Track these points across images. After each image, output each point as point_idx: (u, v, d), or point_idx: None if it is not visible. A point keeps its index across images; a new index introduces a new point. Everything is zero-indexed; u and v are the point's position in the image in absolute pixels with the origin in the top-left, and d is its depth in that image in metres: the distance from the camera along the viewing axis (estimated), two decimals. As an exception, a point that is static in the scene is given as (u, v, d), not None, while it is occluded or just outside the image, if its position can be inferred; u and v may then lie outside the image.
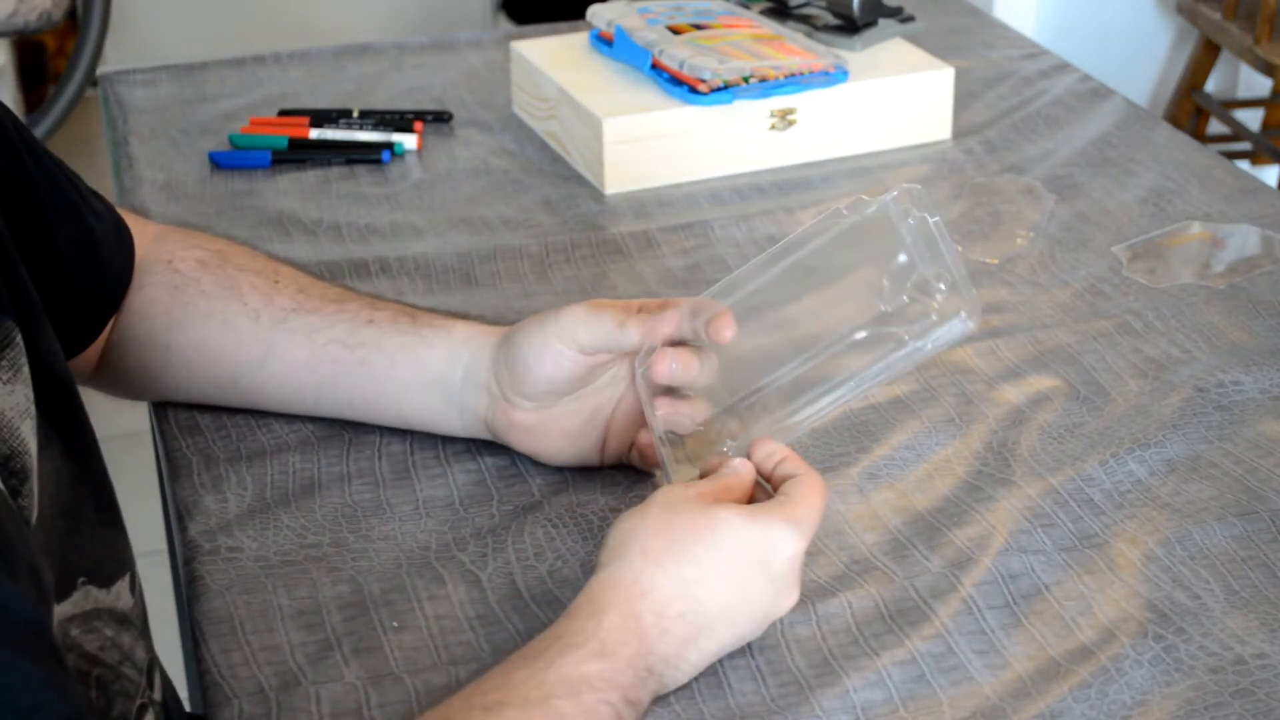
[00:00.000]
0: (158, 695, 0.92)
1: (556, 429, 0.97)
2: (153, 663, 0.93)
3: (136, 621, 0.90)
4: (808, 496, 0.85)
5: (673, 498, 0.84)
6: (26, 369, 0.81)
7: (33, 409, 0.80)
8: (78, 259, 1.00)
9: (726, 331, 0.88)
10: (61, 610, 0.82)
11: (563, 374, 0.94)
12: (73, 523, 0.85)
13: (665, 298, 0.94)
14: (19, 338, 0.81)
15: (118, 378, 1.07)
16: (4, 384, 0.78)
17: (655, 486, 0.99)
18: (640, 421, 0.97)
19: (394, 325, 1.00)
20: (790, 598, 0.84)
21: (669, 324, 0.91)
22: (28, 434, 0.79)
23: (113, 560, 0.88)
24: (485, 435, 1.00)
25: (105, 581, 0.87)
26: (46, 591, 0.71)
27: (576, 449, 0.98)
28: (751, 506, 0.84)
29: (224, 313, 1.03)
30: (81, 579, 0.84)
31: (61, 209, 0.98)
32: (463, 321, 1.01)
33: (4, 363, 0.79)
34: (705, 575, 0.82)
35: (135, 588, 0.91)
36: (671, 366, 0.91)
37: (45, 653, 0.64)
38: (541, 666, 0.78)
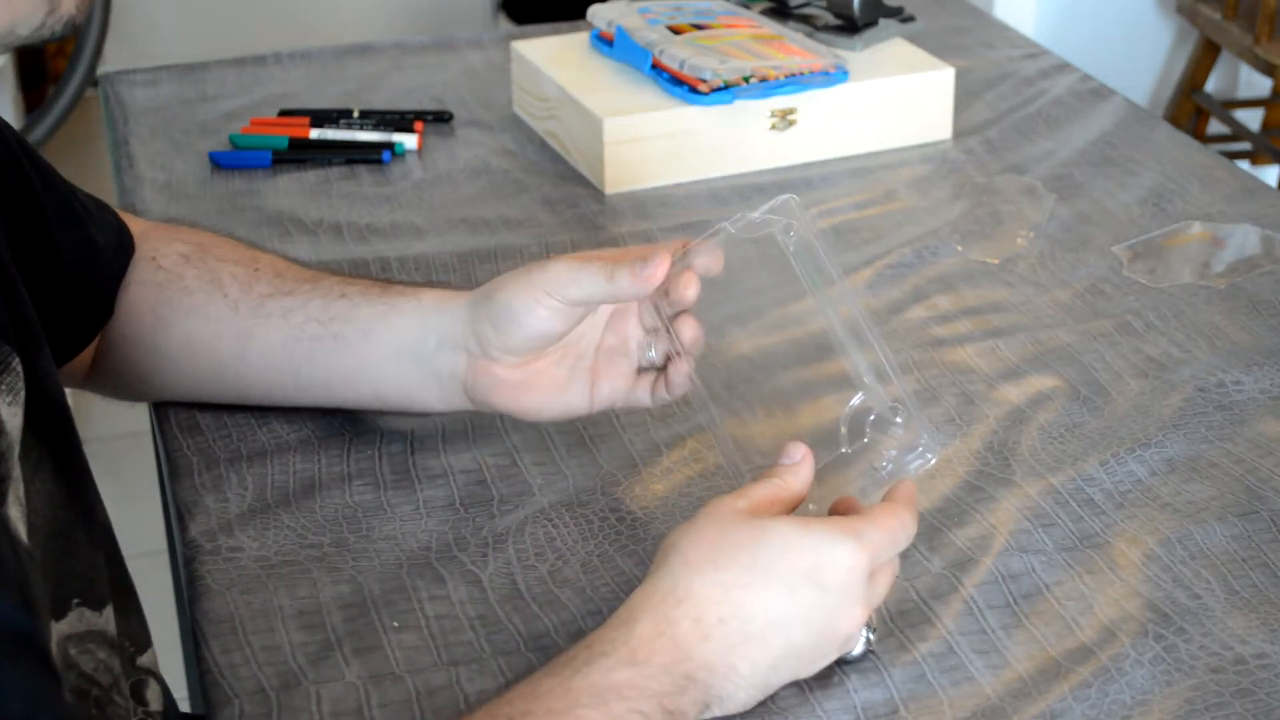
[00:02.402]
0: (156, 707, 0.92)
1: (542, 381, 0.96)
2: (151, 676, 0.93)
3: (127, 649, 0.89)
4: (880, 516, 0.82)
5: (721, 509, 0.82)
6: (24, 393, 0.80)
7: (21, 432, 0.80)
8: (78, 269, 0.99)
9: (716, 263, 0.92)
10: (59, 629, 0.81)
11: (552, 327, 0.93)
12: (65, 544, 0.84)
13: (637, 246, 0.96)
14: (17, 363, 0.80)
15: (110, 380, 1.07)
16: (7, 405, 0.78)
17: (654, 482, 1.00)
18: (626, 361, 0.97)
19: (364, 297, 1.00)
20: (855, 612, 0.81)
21: (662, 267, 0.90)
22: (17, 456, 0.78)
23: (102, 584, 0.88)
24: (463, 404, 0.99)
25: (97, 605, 0.86)
26: (35, 605, 0.70)
27: (564, 400, 0.97)
28: (807, 518, 0.82)
29: (205, 306, 1.03)
30: (75, 600, 0.84)
31: (64, 219, 0.98)
32: (432, 289, 1.00)
33: (3, 387, 0.79)
34: (749, 581, 0.79)
35: (119, 615, 0.90)
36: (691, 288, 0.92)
37: (36, 662, 0.63)
38: (568, 675, 0.76)
